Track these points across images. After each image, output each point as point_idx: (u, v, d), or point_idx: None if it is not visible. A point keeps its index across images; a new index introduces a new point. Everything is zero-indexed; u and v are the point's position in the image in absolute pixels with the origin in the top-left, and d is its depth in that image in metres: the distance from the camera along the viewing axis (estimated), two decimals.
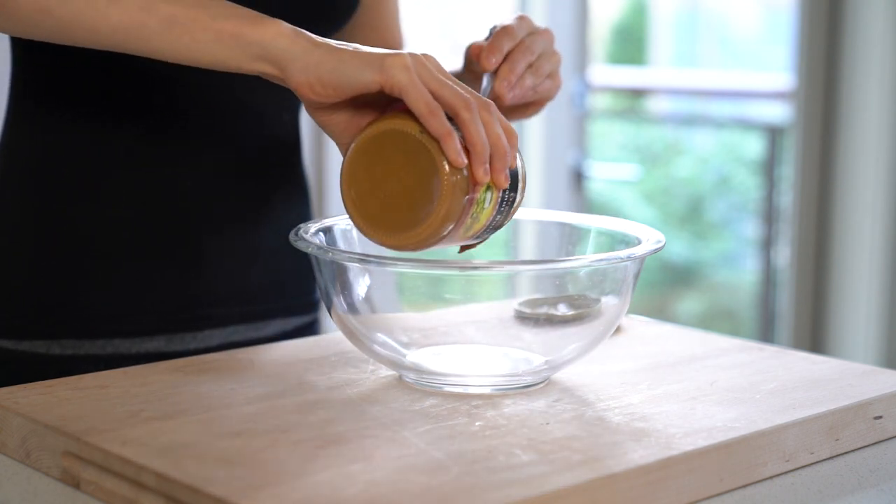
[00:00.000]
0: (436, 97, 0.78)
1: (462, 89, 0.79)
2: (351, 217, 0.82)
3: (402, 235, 0.80)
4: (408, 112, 0.80)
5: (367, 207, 0.81)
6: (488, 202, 0.82)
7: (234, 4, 0.84)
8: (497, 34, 0.95)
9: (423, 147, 0.79)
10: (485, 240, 0.86)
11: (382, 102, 0.82)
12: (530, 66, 0.95)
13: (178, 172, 1.04)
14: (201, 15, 0.82)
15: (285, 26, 0.81)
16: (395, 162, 0.80)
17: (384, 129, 0.80)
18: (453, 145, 0.77)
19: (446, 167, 0.78)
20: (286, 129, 1.11)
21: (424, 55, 0.80)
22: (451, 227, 0.80)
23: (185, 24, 0.82)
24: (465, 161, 0.78)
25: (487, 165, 0.79)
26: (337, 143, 0.84)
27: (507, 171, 0.80)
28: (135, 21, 0.83)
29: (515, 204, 0.85)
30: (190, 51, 0.83)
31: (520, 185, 0.84)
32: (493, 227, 0.85)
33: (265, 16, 0.82)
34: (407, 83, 0.78)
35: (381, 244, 0.82)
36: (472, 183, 0.79)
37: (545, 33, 0.97)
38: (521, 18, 0.97)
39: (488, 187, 0.80)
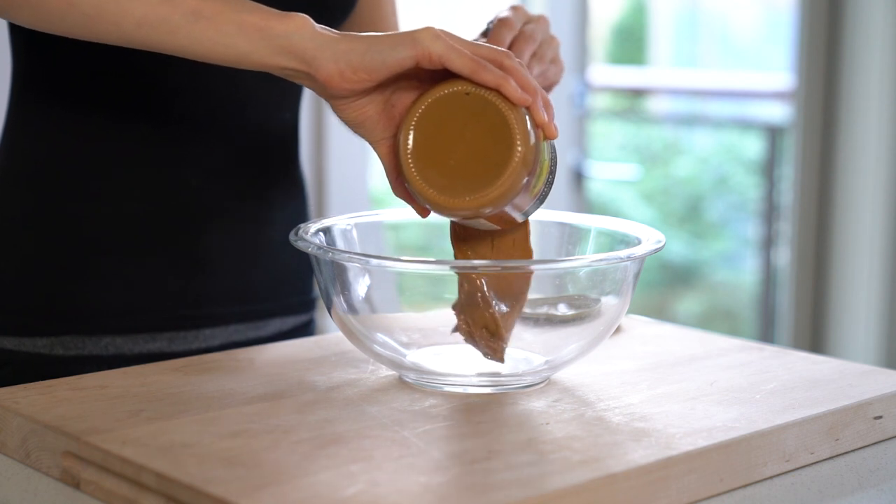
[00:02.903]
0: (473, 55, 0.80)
1: (492, 46, 0.81)
2: (423, 196, 0.81)
3: (484, 192, 0.79)
4: (447, 81, 0.80)
5: (437, 180, 0.81)
6: (546, 153, 0.83)
7: (257, 3, 0.83)
8: (496, 27, 0.96)
9: (484, 100, 0.80)
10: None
11: (410, 87, 0.82)
12: (534, 54, 0.96)
13: (180, 171, 1.04)
14: (225, 9, 0.82)
15: (310, 20, 0.81)
16: (457, 125, 0.80)
17: (436, 97, 0.81)
18: (513, 86, 0.79)
19: (512, 115, 0.79)
20: (287, 128, 1.11)
21: (441, 28, 0.81)
22: (527, 177, 0.80)
23: (209, 18, 0.82)
24: (529, 99, 0.79)
25: (543, 110, 0.81)
26: (371, 140, 0.84)
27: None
28: (159, 14, 0.82)
29: (553, 179, 0.86)
30: (214, 44, 0.82)
31: (556, 165, 0.86)
32: (543, 195, 0.85)
33: (290, 12, 0.82)
34: (445, 48, 0.79)
35: (463, 210, 0.81)
36: (534, 125, 0.81)
37: (541, 20, 0.99)
38: (516, 9, 0.98)
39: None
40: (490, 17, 0.99)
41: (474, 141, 0.80)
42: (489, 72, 0.79)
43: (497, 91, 0.79)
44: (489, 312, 0.85)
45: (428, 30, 0.79)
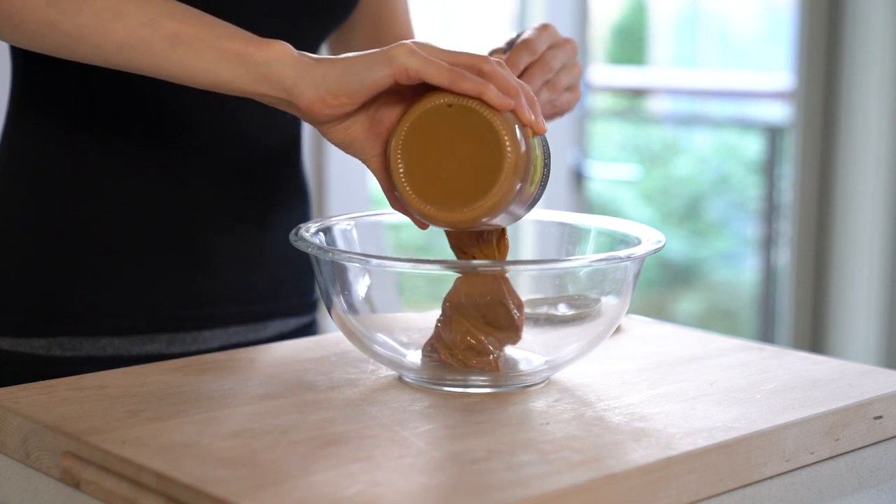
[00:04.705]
0: (451, 65, 0.79)
1: (470, 52, 0.81)
2: (420, 213, 0.81)
3: (480, 203, 0.79)
4: (429, 94, 0.80)
5: (431, 196, 0.80)
6: (537, 149, 0.82)
7: (237, 28, 0.83)
8: (517, 48, 0.94)
9: (468, 109, 0.79)
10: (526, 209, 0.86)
11: (394, 101, 0.82)
12: (547, 81, 0.95)
13: (181, 174, 1.04)
14: (206, 34, 0.82)
15: (289, 48, 0.81)
16: (445, 138, 0.80)
17: (420, 113, 0.80)
18: (494, 92, 0.78)
19: (497, 120, 0.79)
20: (289, 128, 1.11)
21: (416, 42, 0.81)
22: (521, 179, 0.80)
23: (189, 43, 0.82)
24: (511, 103, 0.79)
25: (528, 109, 0.80)
26: (362, 158, 0.84)
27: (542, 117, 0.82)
28: (139, 38, 0.82)
29: (548, 172, 0.85)
30: (194, 69, 0.82)
31: (550, 156, 0.86)
32: (540, 190, 0.85)
33: (269, 39, 0.82)
34: (421, 63, 0.78)
35: (460, 222, 0.80)
36: (521, 125, 0.80)
37: (567, 45, 0.96)
38: (545, 28, 0.95)
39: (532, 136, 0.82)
40: (516, 32, 0.97)
41: (464, 152, 0.80)
42: (468, 80, 0.78)
43: (479, 99, 0.79)
44: (468, 329, 0.85)
45: (402, 46, 0.79)
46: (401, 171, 0.81)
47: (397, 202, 0.84)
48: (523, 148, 0.80)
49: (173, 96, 1.03)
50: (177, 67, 0.83)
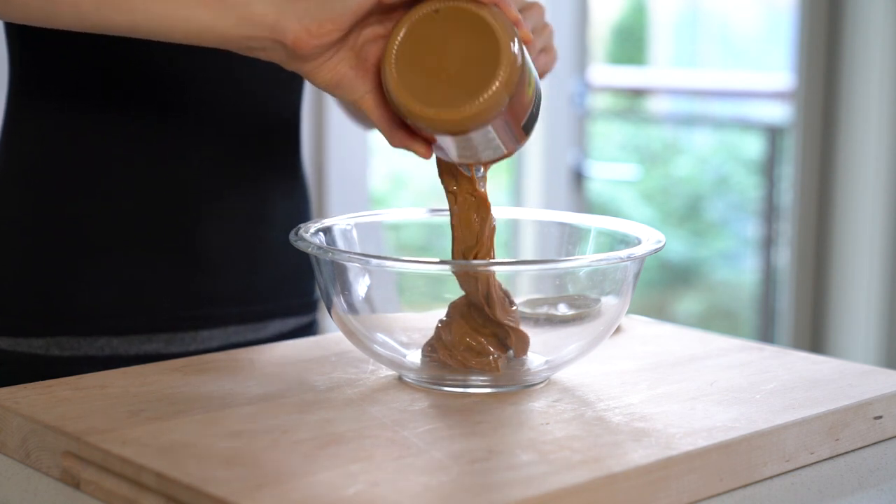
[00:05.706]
0: None
1: None
2: (426, 119, 0.80)
3: (489, 89, 0.79)
4: (413, 8, 0.80)
5: (435, 99, 0.80)
6: (528, 53, 0.82)
7: None
8: None
9: (456, 9, 0.80)
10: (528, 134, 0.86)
11: (377, 35, 0.82)
12: None
13: (179, 173, 1.04)
14: None
15: None
16: (438, 43, 0.80)
17: (409, 25, 0.81)
18: None
19: (486, 13, 0.79)
20: (287, 118, 1.10)
21: None
22: (521, 67, 0.80)
23: None
24: None
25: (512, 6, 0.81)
26: (354, 98, 0.83)
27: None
28: None
29: (539, 103, 0.85)
30: (174, 18, 0.81)
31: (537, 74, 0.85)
32: (537, 100, 0.85)
33: None
34: None
35: (475, 116, 0.79)
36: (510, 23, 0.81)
37: (533, 9, 0.97)
38: None
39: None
40: None
41: (459, 50, 0.80)
42: None
43: None
44: (468, 331, 0.85)
45: None
46: (398, 83, 0.80)
47: (397, 136, 0.84)
48: (515, 37, 0.80)
49: (171, 86, 1.02)
50: (156, 19, 0.82)
